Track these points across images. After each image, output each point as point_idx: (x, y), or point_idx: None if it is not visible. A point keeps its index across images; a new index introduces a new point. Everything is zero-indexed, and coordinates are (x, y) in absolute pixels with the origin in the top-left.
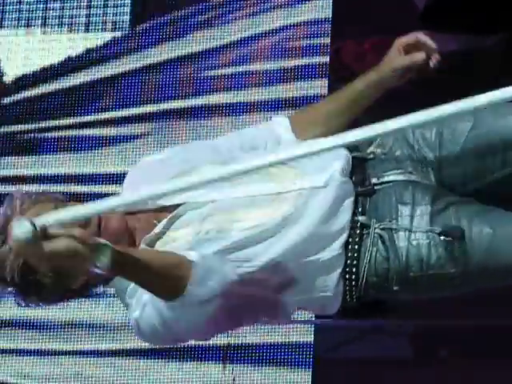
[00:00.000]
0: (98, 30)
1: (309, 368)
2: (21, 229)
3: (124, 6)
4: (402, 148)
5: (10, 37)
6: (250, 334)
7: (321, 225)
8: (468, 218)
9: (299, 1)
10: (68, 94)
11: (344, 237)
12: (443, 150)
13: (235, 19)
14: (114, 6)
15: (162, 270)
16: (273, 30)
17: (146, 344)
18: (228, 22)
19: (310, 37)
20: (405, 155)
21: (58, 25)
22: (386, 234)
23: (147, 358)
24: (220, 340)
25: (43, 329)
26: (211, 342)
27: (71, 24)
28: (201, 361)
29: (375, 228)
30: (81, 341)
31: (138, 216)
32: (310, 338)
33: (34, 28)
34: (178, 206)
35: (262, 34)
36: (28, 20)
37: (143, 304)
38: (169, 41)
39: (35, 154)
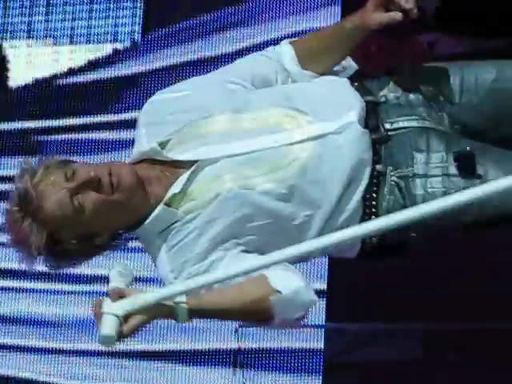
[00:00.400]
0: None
1: (319, 373)
2: (109, 330)
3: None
4: (416, 91)
5: (21, 48)
6: (260, 339)
7: (344, 188)
8: (483, 165)
9: (309, 9)
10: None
11: (363, 188)
12: (463, 97)
13: (245, 26)
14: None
15: (245, 310)
16: (282, 37)
17: (157, 347)
18: (239, 30)
19: None
20: (419, 99)
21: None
22: (402, 182)
23: (158, 361)
24: (230, 345)
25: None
26: (222, 347)
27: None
28: (211, 365)
29: (391, 176)
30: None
31: (145, 165)
32: (321, 344)
33: (47, 39)
34: (193, 162)
35: (271, 41)
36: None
37: None
38: (178, 47)
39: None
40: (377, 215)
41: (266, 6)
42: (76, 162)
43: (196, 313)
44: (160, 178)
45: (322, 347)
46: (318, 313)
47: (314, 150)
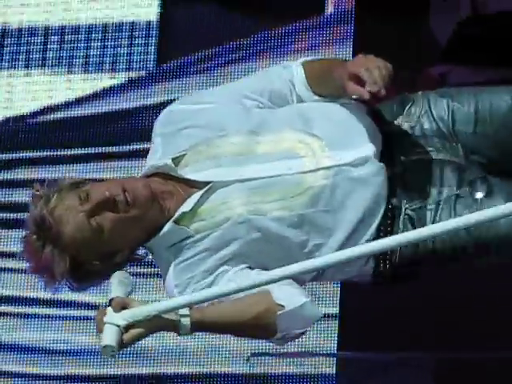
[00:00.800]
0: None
1: None
2: (108, 351)
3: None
4: (431, 121)
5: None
6: (272, 365)
7: (359, 221)
8: (493, 196)
9: (319, 45)
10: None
11: (378, 222)
12: (478, 127)
13: (256, 61)
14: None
15: (248, 324)
16: None
17: (168, 370)
18: (250, 63)
19: None
20: (433, 129)
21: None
22: (415, 215)
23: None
24: (241, 370)
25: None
26: (231, 370)
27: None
28: None
29: (406, 209)
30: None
31: (158, 179)
32: (333, 371)
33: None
34: (206, 182)
35: None
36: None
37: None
38: (189, 79)
39: None
40: (392, 250)
41: (277, 40)
42: (87, 181)
43: (199, 325)
44: (173, 193)
45: (334, 373)
46: (329, 341)
47: (327, 179)
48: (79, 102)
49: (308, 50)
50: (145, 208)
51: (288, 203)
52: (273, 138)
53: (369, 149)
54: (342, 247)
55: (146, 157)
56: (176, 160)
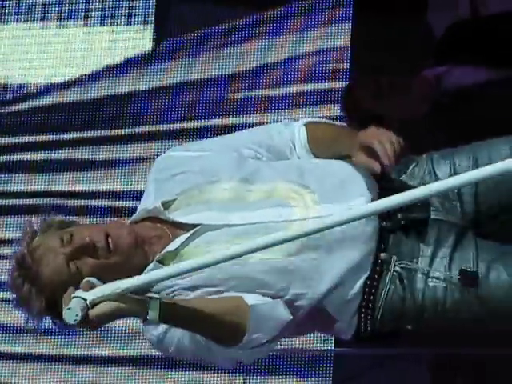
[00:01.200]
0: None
1: None
2: (71, 316)
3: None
4: (433, 181)
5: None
6: (267, 366)
7: (344, 274)
8: (488, 262)
9: (316, 26)
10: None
11: (365, 276)
12: (480, 182)
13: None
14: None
15: (217, 318)
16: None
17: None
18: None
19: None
20: None
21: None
22: (404, 273)
23: (164, 368)
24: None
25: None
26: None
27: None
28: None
29: (395, 266)
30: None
31: (148, 223)
32: (330, 367)
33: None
34: (194, 225)
35: (288, 59)
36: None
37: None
38: (187, 60)
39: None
40: (374, 302)
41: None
42: (76, 222)
43: (168, 312)
44: (161, 236)
45: (331, 368)
46: (326, 336)
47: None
48: (77, 83)
49: (305, 30)
50: (126, 255)
51: (271, 250)
52: (265, 188)
53: (361, 202)
54: (323, 299)
55: (146, 140)
56: (167, 204)
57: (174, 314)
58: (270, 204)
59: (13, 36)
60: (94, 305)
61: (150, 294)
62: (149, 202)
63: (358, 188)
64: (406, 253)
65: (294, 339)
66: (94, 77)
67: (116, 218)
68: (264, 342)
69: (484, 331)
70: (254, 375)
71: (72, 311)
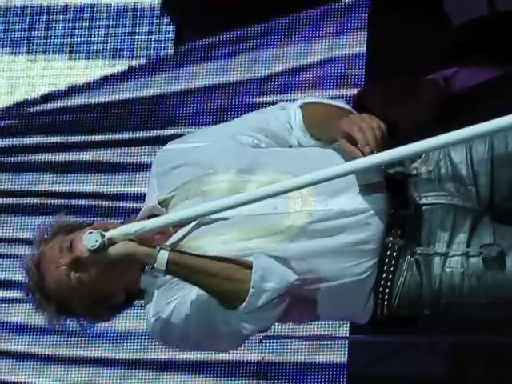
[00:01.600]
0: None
1: None
2: (91, 240)
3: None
4: (447, 166)
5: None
6: (284, 352)
7: (355, 252)
8: (505, 247)
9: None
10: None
11: (376, 259)
12: (495, 164)
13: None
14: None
15: (223, 272)
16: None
17: (180, 356)
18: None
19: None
20: (448, 174)
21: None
22: (421, 259)
23: (179, 372)
24: (253, 357)
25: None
26: (245, 358)
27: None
28: (234, 377)
29: (412, 252)
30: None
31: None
32: (344, 358)
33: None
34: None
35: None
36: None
37: (188, 299)
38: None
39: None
40: (391, 288)
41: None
42: (83, 224)
43: (176, 260)
44: (163, 234)
45: (346, 361)
46: (341, 324)
47: (310, 221)
48: (99, 86)
49: (323, 36)
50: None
51: (270, 239)
52: (262, 178)
53: (357, 198)
54: (331, 278)
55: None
56: (166, 201)
57: (181, 263)
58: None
59: None
60: (110, 244)
61: (160, 243)
62: (152, 198)
63: (352, 179)
64: (423, 239)
65: (309, 326)
66: (120, 78)
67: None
68: (269, 301)
69: (501, 317)
70: (270, 366)
71: (92, 236)
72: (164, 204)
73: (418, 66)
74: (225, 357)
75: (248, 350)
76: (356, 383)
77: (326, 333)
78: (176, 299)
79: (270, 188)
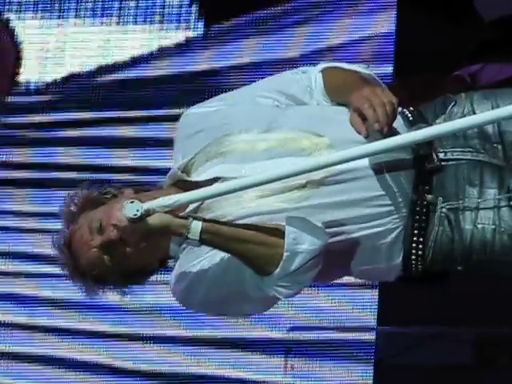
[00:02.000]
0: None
1: (371, 365)
2: (132, 209)
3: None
4: None
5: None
6: (314, 331)
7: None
8: None
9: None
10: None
11: (399, 214)
12: None
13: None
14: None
15: (256, 238)
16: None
17: (207, 334)
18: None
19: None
20: (474, 131)
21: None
22: (452, 215)
23: (210, 347)
24: (283, 334)
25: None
26: (274, 336)
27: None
28: (264, 354)
29: (442, 207)
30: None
31: (175, 189)
32: (372, 344)
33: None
34: (215, 179)
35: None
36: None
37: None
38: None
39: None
40: (424, 243)
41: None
42: (112, 191)
43: (209, 229)
44: None
45: (374, 346)
46: (369, 314)
47: (329, 175)
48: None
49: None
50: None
51: (288, 196)
52: (281, 137)
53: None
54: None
55: None
56: (188, 166)
57: (214, 232)
58: (285, 153)
59: None
60: (147, 215)
61: (194, 215)
62: (176, 163)
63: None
64: (451, 194)
65: (335, 315)
66: (156, 56)
67: None
68: (304, 264)
69: None
70: (295, 355)
71: (134, 206)
72: (186, 169)
73: (445, 58)
74: (255, 334)
75: (277, 329)
76: (383, 373)
77: (354, 321)
78: (199, 262)
79: (308, 162)
